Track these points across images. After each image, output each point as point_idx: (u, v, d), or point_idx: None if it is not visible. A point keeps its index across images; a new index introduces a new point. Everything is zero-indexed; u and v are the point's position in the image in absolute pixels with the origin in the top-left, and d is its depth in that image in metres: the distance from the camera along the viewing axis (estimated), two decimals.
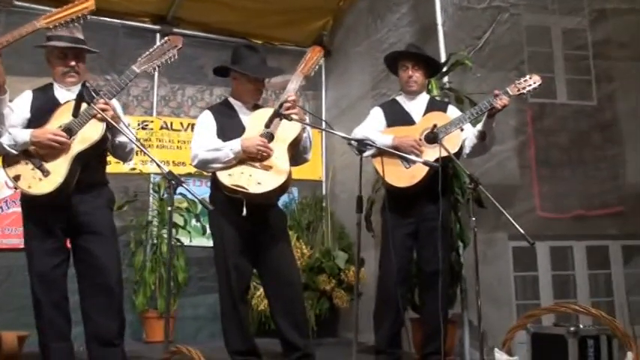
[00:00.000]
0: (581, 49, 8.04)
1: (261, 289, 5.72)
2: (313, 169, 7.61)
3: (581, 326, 4.00)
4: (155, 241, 6.74)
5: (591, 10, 7.23)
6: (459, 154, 4.59)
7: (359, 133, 4.64)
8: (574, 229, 7.96)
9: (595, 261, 8.21)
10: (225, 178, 4.11)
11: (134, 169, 6.69)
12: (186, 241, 6.84)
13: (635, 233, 8.18)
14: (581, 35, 8.01)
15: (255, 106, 4.49)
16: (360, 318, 3.84)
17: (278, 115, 4.10)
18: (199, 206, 6.48)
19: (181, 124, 7.58)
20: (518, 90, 4.46)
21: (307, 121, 4.39)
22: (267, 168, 4.10)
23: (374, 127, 4.77)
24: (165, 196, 6.37)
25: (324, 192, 7.83)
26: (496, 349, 2.51)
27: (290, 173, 4.18)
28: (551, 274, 8.06)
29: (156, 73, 7.02)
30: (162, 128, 7.47)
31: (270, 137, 4.18)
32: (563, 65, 8.14)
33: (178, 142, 7.47)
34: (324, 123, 6.47)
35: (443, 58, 5.64)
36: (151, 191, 7.01)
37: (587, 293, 7.93)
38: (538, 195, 7.76)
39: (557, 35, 8.14)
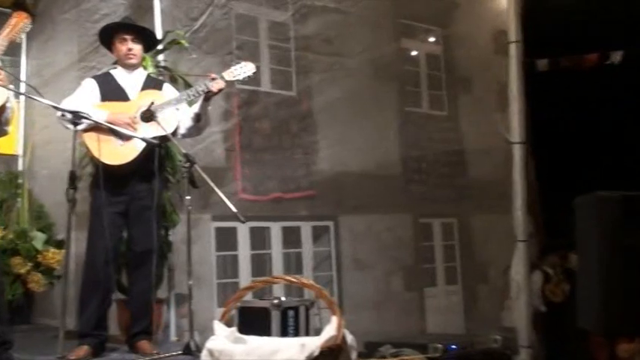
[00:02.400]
0: (285, 41, 8.60)
1: None
2: (9, 142, 6.95)
3: (283, 299, 4.34)
4: None
5: (296, 6, 7.73)
6: (174, 134, 4.59)
7: (70, 105, 4.36)
8: (272, 211, 8.51)
9: (289, 240, 8.90)
10: None
11: None
12: None
13: (323, 215, 9.05)
14: (286, 29, 8.57)
15: None
16: (57, 301, 3.64)
17: None
18: None
19: None
20: (234, 76, 4.59)
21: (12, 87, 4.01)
22: None
23: (86, 100, 4.52)
24: None
25: (20, 168, 7.20)
26: (215, 322, 2.62)
27: None
28: (250, 253, 8.52)
29: None
30: None
31: None
32: (269, 55, 8.63)
33: None
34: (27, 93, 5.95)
35: (158, 36, 5.57)
36: None
37: (281, 270, 8.54)
38: (241, 178, 8.12)
39: (264, 26, 8.60)
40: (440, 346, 2.71)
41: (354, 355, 2.15)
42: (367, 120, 9.29)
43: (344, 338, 2.10)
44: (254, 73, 4.68)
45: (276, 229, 8.74)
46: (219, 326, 2.60)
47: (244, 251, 8.42)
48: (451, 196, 10.10)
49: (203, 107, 4.58)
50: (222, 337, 2.54)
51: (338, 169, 8.97)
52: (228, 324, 2.67)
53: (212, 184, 3.83)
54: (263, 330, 3.97)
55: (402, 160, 9.71)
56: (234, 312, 4.15)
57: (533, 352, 3.95)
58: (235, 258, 8.41)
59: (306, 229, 8.98)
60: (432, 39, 10.53)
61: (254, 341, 2.56)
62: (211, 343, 2.51)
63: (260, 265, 8.52)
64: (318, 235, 9.11)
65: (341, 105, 8.72)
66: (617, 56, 11.01)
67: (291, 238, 8.89)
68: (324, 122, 8.76)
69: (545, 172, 12.46)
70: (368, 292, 9.09)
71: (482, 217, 9.56)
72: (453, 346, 2.85)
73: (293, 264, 8.95)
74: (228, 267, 8.57)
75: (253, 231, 8.46)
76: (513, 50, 4.23)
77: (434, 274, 10.09)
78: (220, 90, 4.53)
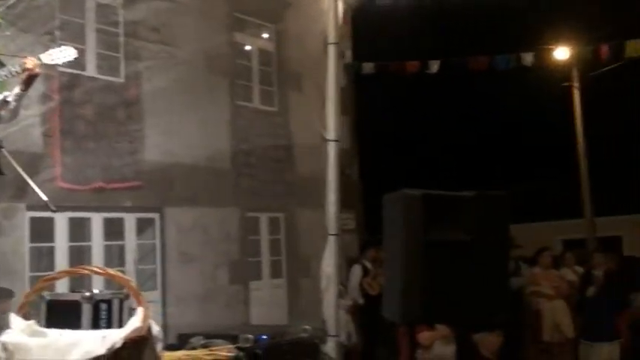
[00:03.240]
0: (113, 25, 8.27)
1: None
2: None
3: (96, 291, 4.18)
4: None
5: None
6: None
7: None
8: (93, 201, 8.16)
9: (111, 232, 8.58)
10: None
11: None
12: None
13: (148, 207, 8.82)
14: (114, 12, 8.24)
15: None
16: None
17: None
18: None
19: None
20: (52, 59, 4.32)
21: None
22: None
23: None
24: None
25: None
26: (12, 314, 2.48)
27: None
28: (68, 245, 8.10)
29: None
30: None
31: None
32: (95, 39, 8.25)
33: None
34: None
35: None
36: None
37: (102, 262, 8.20)
38: (60, 165, 7.69)
39: (92, 7, 8.21)
40: (250, 336, 2.77)
41: (159, 346, 2.13)
42: (198, 112, 9.20)
43: (149, 330, 2.08)
44: (76, 58, 4.44)
45: (97, 220, 8.39)
46: (15, 319, 2.46)
47: (62, 243, 7.99)
48: (278, 191, 10.28)
49: (19, 95, 4.22)
50: (17, 330, 2.40)
51: (166, 160, 8.80)
52: (27, 317, 2.54)
53: (19, 169, 3.61)
54: (73, 323, 3.81)
55: (232, 154, 9.73)
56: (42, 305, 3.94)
57: (340, 342, 4.14)
58: (52, 249, 7.97)
59: (130, 220, 8.71)
60: (265, 35, 10.64)
61: (53, 334, 2.45)
62: (5, 337, 2.37)
63: (79, 258, 8.12)
64: (142, 227, 8.87)
65: (171, 95, 8.56)
66: (434, 65, 11.86)
67: (114, 229, 8.59)
68: (152, 111, 8.54)
69: (369, 170, 13.12)
70: (193, 286, 9.02)
71: (307, 213, 9.81)
72: (264, 337, 2.92)
73: (115, 256, 8.65)
74: (43, 259, 8.10)
75: (72, 221, 8.06)
76: (332, 51, 4.38)
77: (259, 267, 10.21)
78: (37, 74, 4.23)
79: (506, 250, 3.99)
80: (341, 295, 9.60)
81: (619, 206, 18.84)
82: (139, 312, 2.16)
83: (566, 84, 15.31)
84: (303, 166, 9.94)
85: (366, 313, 8.93)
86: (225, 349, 2.63)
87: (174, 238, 8.99)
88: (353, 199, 11.77)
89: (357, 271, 9.65)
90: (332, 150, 4.41)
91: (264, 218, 10.33)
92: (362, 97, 12.73)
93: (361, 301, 9.34)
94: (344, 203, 11.23)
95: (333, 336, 4.11)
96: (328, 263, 4.19)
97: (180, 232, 9.06)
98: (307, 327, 3.33)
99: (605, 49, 11.90)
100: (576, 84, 15.09)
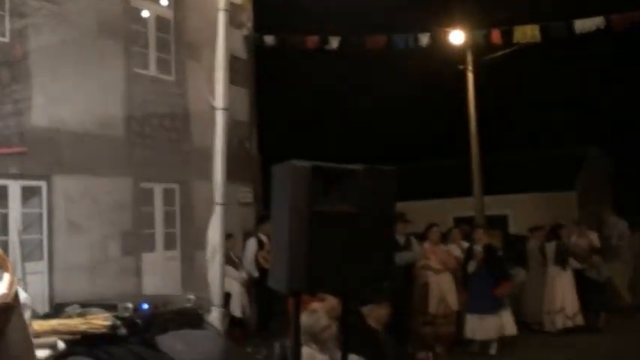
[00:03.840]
0: None
1: None
2: None
3: None
4: None
5: None
6: None
7: None
8: None
9: None
10: None
11: None
12: None
13: (35, 174, 8.43)
14: None
15: None
16: None
17: None
18: None
19: None
20: None
21: None
22: None
23: None
24: None
25: None
26: None
27: None
28: None
29: None
30: None
31: None
32: None
33: None
34: None
35: None
36: None
37: None
38: None
39: None
40: (130, 305, 2.70)
41: (27, 314, 2.04)
42: (89, 76, 8.86)
43: (16, 296, 1.98)
44: None
45: None
46: None
47: None
48: (174, 162, 10.09)
49: None
50: None
51: (54, 126, 8.45)
52: None
53: None
54: None
55: (125, 123, 9.45)
56: None
57: (224, 311, 4.14)
58: None
59: (14, 188, 8.30)
60: (163, 2, 10.33)
61: None
62: None
63: None
64: (28, 195, 8.48)
65: (59, 56, 8.19)
66: (334, 42, 11.94)
67: None
68: (39, 73, 8.13)
69: (269, 144, 13.10)
70: (82, 256, 8.74)
71: (203, 184, 9.68)
72: (145, 306, 2.86)
73: None
74: None
75: None
76: (222, 18, 4.28)
77: (153, 239, 10.02)
78: None
79: (392, 223, 4.10)
80: (236, 267, 9.66)
81: (506, 186, 19.77)
82: (5, 278, 2.06)
83: (460, 67, 15.81)
84: (200, 137, 9.79)
85: (260, 287, 8.97)
86: (102, 318, 2.56)
87: (63, 208, 8.66)
88: (251, 172, 11.75)
89: (252, 244, 9.66)
90: (220, 118, 4.35)
91: (158, 189, 10.11)
92: (263, 70, 12.67)
93: (256, 274, 9.38)
94: (242, 177, 11.33)
95: (218, 306, 4.10)
96: (214, 233, 4.16)
97: (69, 202, 8.74)
98: (191, 297, 3.30)
99: (496, 34, 12.32)
100: (470, 67, 15.60)
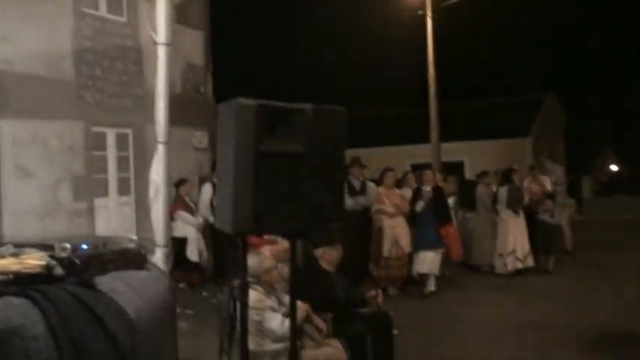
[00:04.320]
0: None
1: None
2: None
3: None
4: None
5: None
6: None
7: None
8: None
9: None
10: None
11: None
12: None
13: None
14: None
15: None
16: None
17: None
18: None
19: None
20: None
21: None
22: None
23: None
24: None
25: None
26: None
27: None
28: None
29: None
30: None
31: None
32: None
33: None
34: None
35: None
36: None
37: None
38: None
39: None
40: (67, 245, 2.63)
41: None
42: (37, 17, 8.54)
43: None
44: None
45: None
46: None
47: None
48: (127, 106, 9.88)
49: None
50: None
51: (0, 67, 8.18)
52: None
53: None
54: None
55: (75, 64, 9.17)
56: None
57: (167, 251, 4.09)
58: None
59: None
60: None
61: None
62: None
63: None
64: None
65: None
66: None
67: None
68: None
69: (224, 89, 12.88)
70: (32, 201, 8.58)
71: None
72: (84, 246, 2.79)
73: None
74: None
75: None
76: None
77: (106, 184, 9.86)
78: None
79: (341, 164, 4.06)
80: (192, 212, 9.59)
81: (463, 133, 19.96)
82: None
83: (420, 12, 15.70)
84: (153, 79, 9.55)
85: (216, 231, 8.94)
86: (36, 257, 2.50)
87: (10, 152, 8.44)
88: (207, 117, 11.57)
89: (207, 189, 9.59)
90: (162, 54, 4.22)
91: (111, 133, 9.90)
92: (218, 14, 12.36)
93: (212, 219, 9.33)
94: (197, 121, 11.14)
95: (162, 246, 4.07)
96: (157, 172, 4.08)
97: (17, 146, 8.51)
98: (134, 237, 3.25)
99: None
100: (429, 13, 15.50)
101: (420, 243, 8.85)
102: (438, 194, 8.99)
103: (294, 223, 3.62)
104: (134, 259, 3.11)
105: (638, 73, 27.82)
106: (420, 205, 8.83)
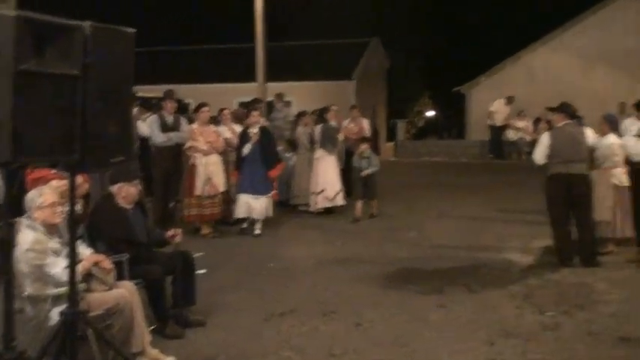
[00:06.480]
0: None
1: None
2: None
3: None
4: None
5: None
6: None
7: None
8: None
9: None
10: None
11: None
12: None
13: None
14: None
15: None
16: None
17: None
18: None
19: None
20: None
21: None
22: None
23: None
24: None
25: None
26: None
27: None
28: None
29: None
30: None
31: None
32: None
33: None
34: None
35: None
36: None
37: None
38: None
39: None
40: None
41: None
42: None
43: None
44: None
45: None
46: None
47: None
48: None
49: None
50: None
51: None
52: None
53: None
54: None
55: None
56: None
57: None
58: None
59: None
60: None
61: None
62: None
63: None
64: None
65: None
66: None
67: None
68: None
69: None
70: None
71: None
72: None
73: None
74: None
75: None
76: None
77: None
78: None
79: (127, 91, 3.70)
80: None
81: (289, 73, 19.94)
82: None
83: None
84: None
85: None
86: None
87: None
88: None
89: None
90: None
91: None
92: None
93: None
94: None
95: None
96: None
97: None
98: None
99: None
100: None
101: (246, 186, 8.60)
102: (265, 136, 8.77)
103: (65, 153, 3.23)
104: None
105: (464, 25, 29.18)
106: (247, 148, 8.57)
